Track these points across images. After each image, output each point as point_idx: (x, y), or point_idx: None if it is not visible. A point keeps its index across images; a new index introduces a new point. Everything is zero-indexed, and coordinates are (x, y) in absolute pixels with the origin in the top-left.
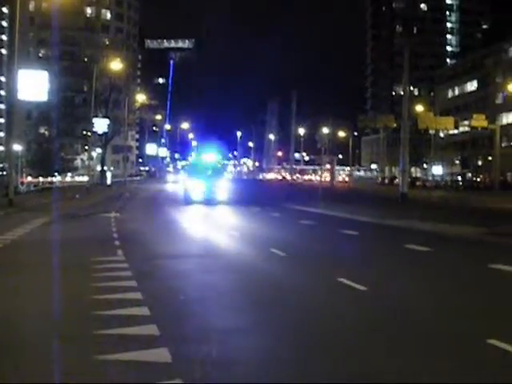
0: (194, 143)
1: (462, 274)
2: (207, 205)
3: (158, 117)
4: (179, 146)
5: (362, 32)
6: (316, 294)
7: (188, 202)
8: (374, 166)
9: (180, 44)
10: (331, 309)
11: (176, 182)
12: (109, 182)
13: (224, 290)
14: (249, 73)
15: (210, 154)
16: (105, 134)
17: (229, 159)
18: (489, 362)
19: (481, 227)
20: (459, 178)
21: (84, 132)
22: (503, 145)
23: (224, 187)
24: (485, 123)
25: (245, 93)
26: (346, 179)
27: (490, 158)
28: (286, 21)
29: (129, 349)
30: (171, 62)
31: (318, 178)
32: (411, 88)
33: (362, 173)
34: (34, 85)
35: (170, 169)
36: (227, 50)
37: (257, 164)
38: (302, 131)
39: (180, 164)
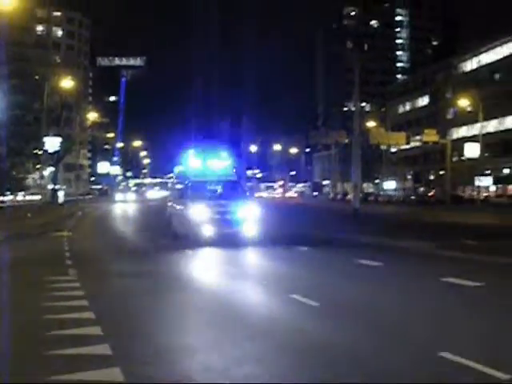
0: (146, 161)
1: (413, 287)
2: (226, 247)
3: (111, 135)
4: (131, 164)
5: (314, 49)
6: (269, 310)
7: (196, 241)
8: (326, 182)
9: (131, 62)
10: (284, 324)
11: (125, 202)
12: (61, 200)
13: (179, 308)
14: (200, 89)
15: (215, 161)
16: (56, 152)
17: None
18: (441, 375)
19: (432, 241)
20: (411, 192)
21: (35, 151)
22: (454, 159)
23: (251, 214)
24: (436, 138)
25: (197, 110)
26: (295, 195)
27: (441, 173)
28: (240, 37)
29: (81, 369)
30: (123, 79)
31: (269, 194)
32: (363, 104)
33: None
34: None
35: (122, 187)
36: (179, 69)
37: None
38: (254, 148)
39: (132, 182)
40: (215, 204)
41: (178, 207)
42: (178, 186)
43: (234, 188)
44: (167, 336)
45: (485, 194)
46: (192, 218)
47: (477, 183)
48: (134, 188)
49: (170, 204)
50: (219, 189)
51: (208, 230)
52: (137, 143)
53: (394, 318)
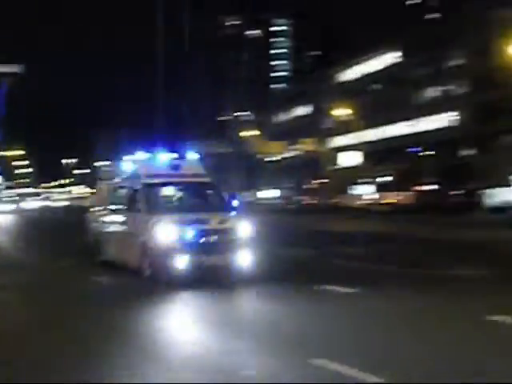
0: (26, 170)
1: (286, 295)
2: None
3: None
4: (11, 174)
5: (189, 58)
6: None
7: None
8: None
9: (7, 69)
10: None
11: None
12: None
13: (46, 315)
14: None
15: (181, 160)
16: None
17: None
18: (309, 381)
19: (312, 249)
20: (291, 201)
21: None
22: (332, 168)
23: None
24: (314, 147)
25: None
26: None
27: (320, 181)
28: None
29: None
30: (2, 87)
31: None
32: (243, 113)
33: None
34: None
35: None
36: (62, 76)
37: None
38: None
39: (9, 192)
40: (186, 218)
41: (118, 223)
42: (108, 191)
43: (209, 194)
44: (38, 342)
45: (364, 202)
46: (147, 241)
47: (352, 191)
48: (11, 198)
49: (96, 217)
50: (188, 196)
51: (176, 260)
52: (16, 152)
53: (264, 326)
